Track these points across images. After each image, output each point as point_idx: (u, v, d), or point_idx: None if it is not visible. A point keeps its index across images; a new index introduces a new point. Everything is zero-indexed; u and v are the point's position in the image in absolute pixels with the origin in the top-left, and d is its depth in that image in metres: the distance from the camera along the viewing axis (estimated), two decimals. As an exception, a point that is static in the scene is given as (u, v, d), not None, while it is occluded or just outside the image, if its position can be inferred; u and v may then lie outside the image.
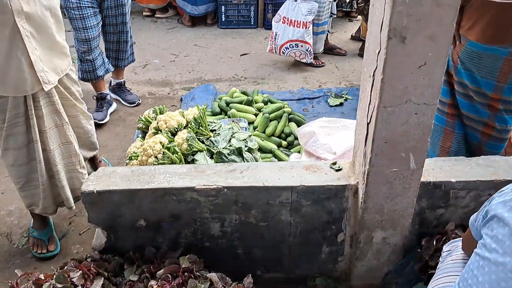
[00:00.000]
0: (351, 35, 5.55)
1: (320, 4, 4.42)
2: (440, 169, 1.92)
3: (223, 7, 5.80)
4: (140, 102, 4.03)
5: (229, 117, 3.37)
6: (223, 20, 5.90)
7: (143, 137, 2.62)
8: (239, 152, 2.44)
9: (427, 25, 1.42)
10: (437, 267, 1.66)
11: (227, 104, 3.52)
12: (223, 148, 2.46)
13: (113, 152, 3.35)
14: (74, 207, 2.41)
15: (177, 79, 4.60)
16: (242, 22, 5.94)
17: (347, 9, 5.90)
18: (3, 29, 1.90)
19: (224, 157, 2.38)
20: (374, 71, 1.57)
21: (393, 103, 1.56)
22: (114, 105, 3.82)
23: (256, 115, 3.45)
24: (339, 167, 1.92)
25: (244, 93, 3.73)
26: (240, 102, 3.57)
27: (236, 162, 2.39)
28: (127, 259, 1.87)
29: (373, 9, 1.57)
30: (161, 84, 4.48)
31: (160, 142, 2.26)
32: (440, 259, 1.70)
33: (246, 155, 2.46)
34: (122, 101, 3.95)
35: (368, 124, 1.67)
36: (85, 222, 2.68)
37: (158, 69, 4.83)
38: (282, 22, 4.55)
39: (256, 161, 2.50)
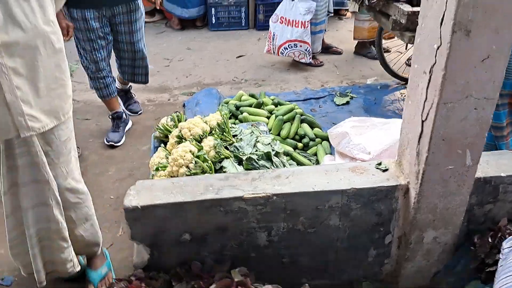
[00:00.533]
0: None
1: (318, 3, 4.38)
2: (487, 164, 1.88)
3: (213, 9, 5.71)
4: (142, 111, 3.90)
5: (240, 121, 3.29)
6: (214, 22, 5.81)
7: (161, 147, 2.51)
8: (267, 157, 2.37)
9: (493, 17, 1.38)
10: (499, 265, 1.63)
11: (237, 108, 3.44)
12: (250, 153, 2.38)
13: (122, 164, 3.23)
14: (44, 283, 2.00)
15: (174, 84, 4.49)
16: (233, 23, 5.86)
17: (341, 8, 5.87)
18: None
19: (254, 163, 2.30)
20: (432, 67, 1.52)
21: (453, 99, 1.52)
22: (130, 123, 3.64)
23: (268, 117, 3.38)
24: (385, 167, 1.87)
25: (252, 95, 3.66)
26: (250, 105, 3.50)
27: (267, 167, 2.32)
28: (174, 275, 1.77)
29: (428, 3, 1.52)
30: (159, 90, 4.37)
31: (190, 151, 2.17)
32: (501, 256, 1.67)
33: (275, 159, 2.38)
34: (124, 109, 3.80)
35: (423, 121, 1.62)
36: (107, 237, 2.57)
37: (153, 74, 4.69)
38: (280, 22, 4.49)
39: (284, 165, 2.43)
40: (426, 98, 1.58)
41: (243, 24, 5.89)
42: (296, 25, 4.38)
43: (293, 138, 3.25)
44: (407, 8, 2.74)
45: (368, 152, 2.24)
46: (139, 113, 3.84)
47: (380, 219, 1.87)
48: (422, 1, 1.56)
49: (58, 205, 1.88)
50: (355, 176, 1.83)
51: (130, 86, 3.80)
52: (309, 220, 1.83)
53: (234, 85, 4.46)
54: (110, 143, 3.34)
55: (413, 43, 3.07)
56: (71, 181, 1.92)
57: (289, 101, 3.76)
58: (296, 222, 1.82)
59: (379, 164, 1.89)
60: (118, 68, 3.51)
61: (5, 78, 1.56)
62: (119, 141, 3.38)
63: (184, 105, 4.01)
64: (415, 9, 2.73)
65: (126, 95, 3.81)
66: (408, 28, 2.79)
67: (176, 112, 3.90)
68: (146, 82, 3.62)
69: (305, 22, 4.36)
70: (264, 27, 5.75)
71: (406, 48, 4.17)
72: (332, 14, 4.94)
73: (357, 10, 3.94)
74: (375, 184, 1.79)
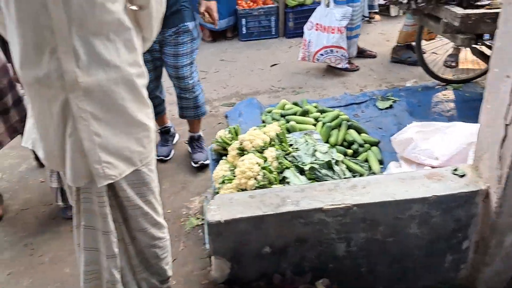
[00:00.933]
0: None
1: (354, 8, 4.38)
2: None
3: (243, 19, 5.75)
4: (207, 163, 3.20)
5: (287, 130, 3.29)
6: (244, 32, 5.84)
7: (223, 160, 2.52)
8: (328, 165, 2.37)
9: None
10: None
11: (282, 116, 3.45)
12: (310, 163, 2.38)
13: (174, 177, 3.25)
14: None
15: (213, 96, 4.52)
16: (263, 33, 5.89)
17: (370, 11, 5.84)
18: (50, 106, 1.48)
19: (317, 173, 2.30)
20: (517, 71, 1.51)
21: (540, 102, 1.50)
22: (177, 136, 3.62)
23: (314, 125, 3.38)
24: (462, 173, 1.85)
25: (295, 104, 3.67)
26: (294, 114, 3.51)
27: (329, 176, 2.32)
28: (256, 289, 1.78)
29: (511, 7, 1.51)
30: (199, 103, 4.39)
31: (257, 163, 2.18)
32: None
33: (336, 168, 2.38)
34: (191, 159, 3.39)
35: (507, 125, 1.60)
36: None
37: (191, 87, 4.74)
38: (315, 29, 4.49)
39: (345, 174, 2.43)
40: (510, 102, 1.57)
41: (273, 33, 5.92)
42: (332, 31, 4.38)
43: (341, 145, 3.25)
44: (460, 10, 2.73)
45: (435, 157, 2.22)
46: (200, 164, 3.27)
47: (459, 225, 1.85)
48: (503, 5, 1.55)
49: (114, 258, 1.78)
50: (433, 183, 1.82)
51: (198, 135, 3.42)
52: (388, 229, 1.82)
53: (272, 94, 4.47)
54: (160, 157, 3.36)
55: (465, 45, 3.07)
56: (156, 217, 1.85)
57: (330, 107, 3.76)
58: (375, 231, 1.82)
59: (455, 170, 1.87)
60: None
61: (84, 124, 1.48)
62: (169, 155, 3.41)
63: (226, 116, 4.03)
64: (468, 11, 2.71)
65: (191, 143, 3.42)
66: (460, 30, 2.78)
67: (219, 123, 3.98)
68: (195, 117, 3.29)
69: (341, 27, 4.36)
70: (294, 34, 5.79)
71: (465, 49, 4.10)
72: (368, 18, 4.93)
73: (397, 14, 3.91)
74: (455, 191, 1.78)
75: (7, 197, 3.13)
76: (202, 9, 2.85)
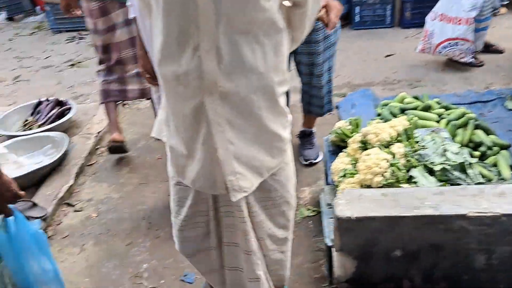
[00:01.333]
0: None
1: (485, -2, 4.04)
2: None
3: (357, 7, 5.56)
4: (316, 162, 3.21)
5: (410, 126, 3.10)
6: (357, 21, 5.65)
7: (343, 152, 2.42)
8: (461, 168, 2.18)
9: None
10: None
11: (402, 111, 3.26)
12: (439, 163, 2.21)
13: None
14: None
15: (324, 85, 4.41)
16: (377, 22, 5.66)
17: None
18: (183, 106, 1.36)
19: (449, 175, 2.12)
20: None
21: None
22: None
23: (437, 122, 3.15)
24: None
25: (415, 98, 3.45)
26: (414, 108, 3.30)
27: (461, 180, 2.13)
28: (382, 293, 1.68)
29: None
30: (309, 91, 4.32)
31: (385, 159, 2.06)
32: None
33: (470, 172, 2.18)
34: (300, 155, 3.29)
35: None
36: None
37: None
38: (439, 19, 4.20)
39: (478, 179, 2.22)
40: None
41: (388, 22, 5.66)
42: (459, 22, 4.07)
43: (466, 146, 3.00)
44: None
45: None
46: (309, 162, 3.21)
47: None
48: None
49: (257, 282, 1.63)
50: None
51: (311, 131, 3.34)
52: (538, 245, 1.62)
53: (386, 86, 4.27)
54: None
55: None
56: (272, 227, 1.63)
57: (454, 105, 3.49)
58: (522, 246, 1.63)
59: None
60: (300, 98, 3.26)
61: (219, 130, 1.33)
62: None
63: (337, 107, 3.91)
64: None
65: (302, 138, 3.33)
66: None
67: (329, 114, 3.86)
68: (321, 114, 3.24)
69: (469, 19, 4.03)
70: (411, 25, 5.50)
71: None
72: (498, 11, 4.53)
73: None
74: None
75: (127, 171, 3.29)
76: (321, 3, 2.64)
